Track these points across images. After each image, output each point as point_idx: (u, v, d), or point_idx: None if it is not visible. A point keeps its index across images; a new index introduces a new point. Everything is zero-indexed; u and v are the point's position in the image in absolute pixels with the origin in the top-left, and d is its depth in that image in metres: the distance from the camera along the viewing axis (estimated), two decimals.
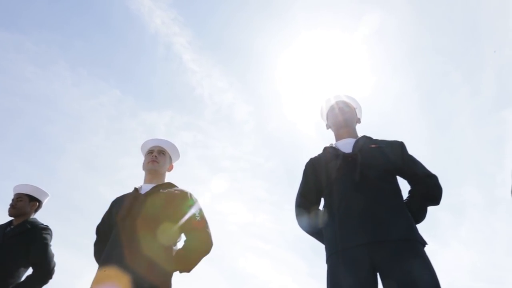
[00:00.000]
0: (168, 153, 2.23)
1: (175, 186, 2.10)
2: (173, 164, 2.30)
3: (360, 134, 1.99)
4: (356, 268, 1.45)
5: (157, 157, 2.13)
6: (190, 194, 2.03)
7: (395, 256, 1.42)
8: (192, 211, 1.95)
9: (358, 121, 2.09)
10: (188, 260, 1.85)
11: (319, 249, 1.76)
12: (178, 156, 2.31)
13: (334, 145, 1.93)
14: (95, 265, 1.86)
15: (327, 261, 1.59)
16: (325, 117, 2.14)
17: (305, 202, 1.87)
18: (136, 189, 2.03)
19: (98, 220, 2.11)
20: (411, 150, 1.88)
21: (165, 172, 2.19)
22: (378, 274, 1.46)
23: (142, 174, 2.17)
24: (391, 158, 1.77)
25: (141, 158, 2.24)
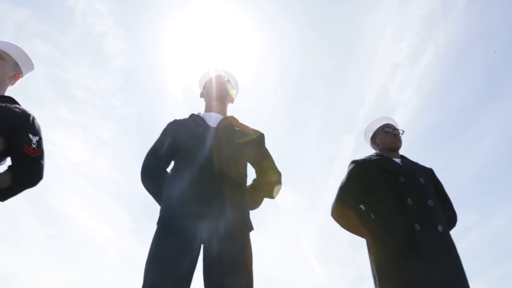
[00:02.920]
0: (12, 60, 1.83)
1: (16, 103, 1.78)
2: (22, 75, 1.91)
3: (229, 114, 2.02)
4: (183, 236, 1.46)
5: None
6: (33, 119, 1.77)
7: (223, 234, 1.48)
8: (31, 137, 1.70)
9: (232, 100, 2.12)
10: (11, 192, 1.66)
11: (149, 209, 1.72)
12: (30, 67, 1.94)
13: (201, 115, 1.92)
14: None
15: (158, 222, 1.58)
16: (202, 86, 2.12)
17: (155, 161, 1.82)
18: None
19: None
20: (270, 144, 1.98)
21: (4, 81, 1.81)
22: (202, 246, 1.50)
23: None
24: (248, 144, 1.84)
25: None
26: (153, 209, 1.70)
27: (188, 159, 1.67)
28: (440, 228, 1.79)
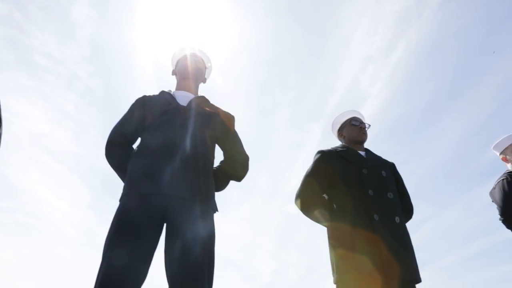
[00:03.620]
0: None
1: None
2: None
3: (200, 94, 1.99)
4: (146, 214, 1.45)
5: None
6: None
7: (187, 213, 1.48)
8: None
9: (204, 80, 2.09)
10: None
11: (111, 185, 1.68)
12: None
13: (172, 93, 1.89)
14: None
15: (121, 199, 1.55)
16: (174, 63, 2.08)
17: (121, 136, 1.78)
18: None
19: None
20: (239, 127, 1.97)
21: None
22: (165, 224, 1.50)
23: None
24: (218, 126, 1.83)
25: None
26: (116, 185, 1.67)
27: (155, 136, 1.64)
28: (397, 219, 1.87)
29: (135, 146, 1.79)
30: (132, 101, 1.87)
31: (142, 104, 1.82)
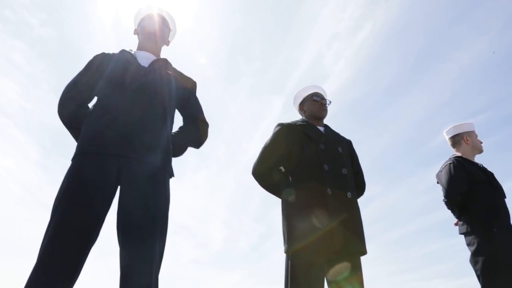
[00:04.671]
0: None
1: None
2: None
3: (162, 56, 1.93)
4: (99, 175, 1.41)
5: None
6: None
7: (142, 177, 1.45)
8: None
9: (167, 43, 2.02)
10: None
11: (61, 143, 1.62)
12: None
13: (133, 53, 1.81)
14: None
15: (73, 159, 1.50)
16: (137, 22, 1.98)
17: (76, 94, 1.70)
18: None
19: None
20: (200, 93, 1.94)
21: None
22: (119, 188, 1.46)
23: None
24: (179, 90, 1.79)
25: None
26: (67, 144, 1.59)
27: (112, 96, 1.57)
28: (349, 194, 1.94)
29: (91, 105, 1.71)
30: (90, 57, 1.78)
31: (101, 61, 1.74)
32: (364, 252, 1.91)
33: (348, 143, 2.25)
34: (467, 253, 2.55)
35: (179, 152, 1.83)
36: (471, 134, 2.88)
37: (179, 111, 1.84)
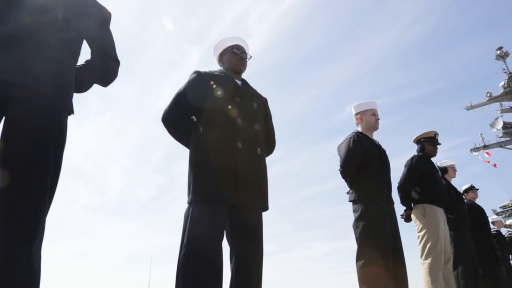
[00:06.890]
0: None
1: None
2: None
3: None
4: None
5: None
6: None
7: (32, 107, 1.26)
8: None
9: None
10: None
11: None
12: None
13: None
14: None
15: None
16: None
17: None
18: None
19: None
20: (114, 28, 1.69)
21: None
22: (4, 118, 1.26)
23: None
24: (89, 19, 1.54)
25: None
26: None
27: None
28: (258, 150, 1.96)
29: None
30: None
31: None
32: (266, 208, 1.96)
33: (264, 100, 2.24)
34: (347, 220, 2.83)
35: (83, 87, 1.61)
36: (365, 113, 3.09)
37: (88, 42, 1.61)
